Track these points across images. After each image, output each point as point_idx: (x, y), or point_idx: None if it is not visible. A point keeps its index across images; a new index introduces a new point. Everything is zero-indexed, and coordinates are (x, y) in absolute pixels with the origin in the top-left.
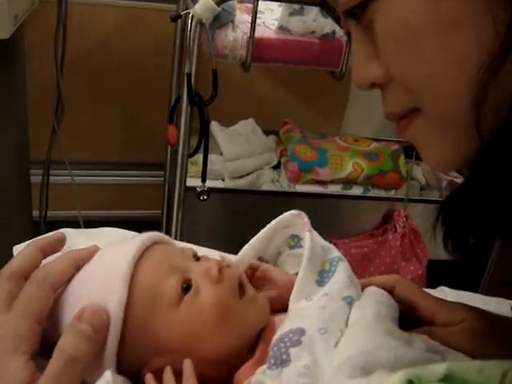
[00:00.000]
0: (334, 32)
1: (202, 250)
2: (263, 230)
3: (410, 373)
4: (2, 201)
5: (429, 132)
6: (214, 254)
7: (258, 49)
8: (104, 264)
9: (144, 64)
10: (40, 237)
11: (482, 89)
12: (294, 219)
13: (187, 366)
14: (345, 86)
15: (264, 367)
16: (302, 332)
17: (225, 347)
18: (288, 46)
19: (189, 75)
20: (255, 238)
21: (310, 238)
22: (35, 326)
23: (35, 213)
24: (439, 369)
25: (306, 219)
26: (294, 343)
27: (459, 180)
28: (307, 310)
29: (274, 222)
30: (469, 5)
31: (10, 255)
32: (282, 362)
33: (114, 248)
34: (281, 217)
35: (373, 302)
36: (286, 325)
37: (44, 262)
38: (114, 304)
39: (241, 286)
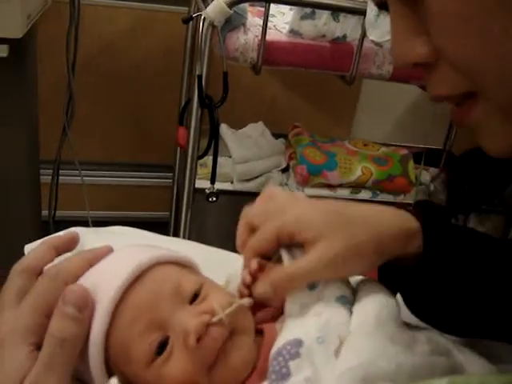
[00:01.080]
0: (344, 36)
1: (210, 251)
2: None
3: None
4: (11, 200)
5: (494, 120)
6: (224, 261)
7: (269, 52)
8: (98, 281)
9: (155, 66)
10: (53, 235)
11: None
12: None
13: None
14: (355, 91)
15: (265, 383)
16: (299, 343)
17: None
18: (299, 49)
19: (200, 77)
20: None
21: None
22: (44, 320)
23: (44, 212)
24: (441, 382)
25: None
26: (293, 356)
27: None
28: (302, 318)
29: None
30: None
31: (19, 254)
32: (283, 376)
33: (115, 261)
34: None
35: (372, 304)
36: (282, 336)
37: (57, 260)
38: (97, 328)
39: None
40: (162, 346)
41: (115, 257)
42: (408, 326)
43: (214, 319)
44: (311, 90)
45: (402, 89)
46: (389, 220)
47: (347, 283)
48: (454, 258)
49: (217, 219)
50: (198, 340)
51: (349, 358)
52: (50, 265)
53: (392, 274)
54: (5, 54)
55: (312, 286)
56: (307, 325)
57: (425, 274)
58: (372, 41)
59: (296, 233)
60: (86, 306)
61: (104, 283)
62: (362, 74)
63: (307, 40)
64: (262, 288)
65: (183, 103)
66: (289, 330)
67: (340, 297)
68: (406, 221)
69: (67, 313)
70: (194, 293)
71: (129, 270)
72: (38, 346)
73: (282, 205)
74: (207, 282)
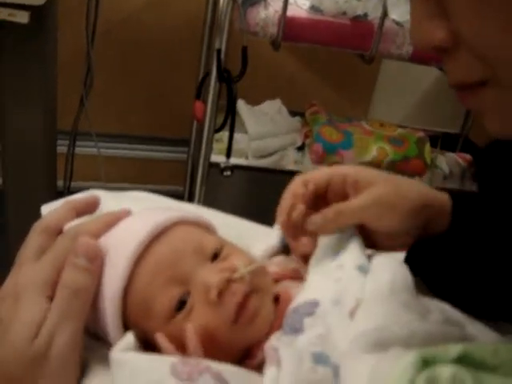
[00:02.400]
0: (366, 14)
1: (228, 220)
2: None
3: (424, 352)
4: (27, 169)
5: (503, 103)
6: (243, 231)
7: (289, 28)
8: (118, 238)
9: (174, 39)
10: (74, 197)
11: None
12: None
13: (189, 330)
14: (373, 71)
15: (279, 333)
16: (316, 304)
17: (220, 357)
18: (319, 26)
19: (219, 51)
20: None
21: None
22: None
23: (59, 183)
24: (454, 349)
25: None
26: (308, 313)
27: None
28: (322, 282)
29: None
30: None
31: (33, 223)
32: (296, 330)
33: (135, 222)
34: None
35: (387, 272)
36: (301, 296)
37: (76, 221)
38: (115, 284)
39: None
40: (182, 302)
41: (134, 218)
42: (421, 296)
43: (236, 276)
44: (329, 68)
45: (421, 71)
46: (430, 189)
47: (364, 254)
48: (478, 239)
49: (231, 194)
50: (219, 295)
51: (363, 321)
52: (69, 225)
53: (417, 255)
54: (25, 21)
55: (335, 254)
56: (326, 288)
57: (448, 252)
58: (393, 20)
59: (350, 176)
60: (96, 257)
61: (123, 242)
62: (382, 53)
63: (328, 17)
64: (312, 219)
65: (201, 77)
66: (308, 292)
67: (360, 265)
68: (443, 196)
69: (79, 264)
70: (215, 252)
71: (148, 229)
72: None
73: None
74: (228, 243)
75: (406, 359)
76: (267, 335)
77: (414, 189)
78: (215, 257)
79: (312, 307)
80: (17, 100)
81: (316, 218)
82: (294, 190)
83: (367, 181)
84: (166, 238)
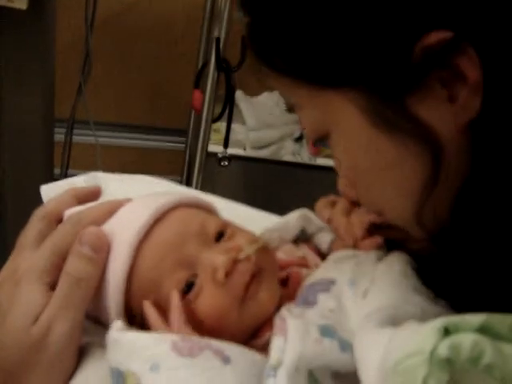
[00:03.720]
0: None
1: (229, 205)
2: None
3: (446, 320)
4: (24, 157)
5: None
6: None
7: None
8: (119, 224)
9: (173, 28)
10: (75, 180)
11: (421, 206)
12: None
13: (174, 297)
14: None
15: (291, 305)
16: (332, 282)
17: (228, 336)
18: None
19: (218, 39)
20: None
21: None
22: (60, 263)
23: (56, 170)
24: (476, 319)
25: None
26: (323, 289)
27: None
28: (340, 264)
29: None
30: (397, 152)
31: (31, 210)
32: (309, 303)
33: (135, 207)
34: None
35: (399, 261)
36: (319, 273)
37: (79, 207)
38: (118, 269)
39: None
40: (189, 285)
41: (134, 204)
42: None
43: (242, 255)
44: None
45: None
46: None
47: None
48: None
49: (228, 184)
50: (227, 275)
51: (376, 299)
52: (70, 210)
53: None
54: (24, 7)
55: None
56: (344, 268)
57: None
58: None
59: None
60: (102, 247)
61: (124, 228)
62: None
63: None
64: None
65: (200, 66)
66: (326, 270)
67: (379, 258)
68: None
69: (83, 253)
70: (219, 232)
71: (149, 213)
72: (54, 287)
73: None
74: (230, 223)
75: (429, 326)
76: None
77: None
78: (219, 237)
79: (328, 284)
80: (14, 87)
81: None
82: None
83: None
84: (167, 221)
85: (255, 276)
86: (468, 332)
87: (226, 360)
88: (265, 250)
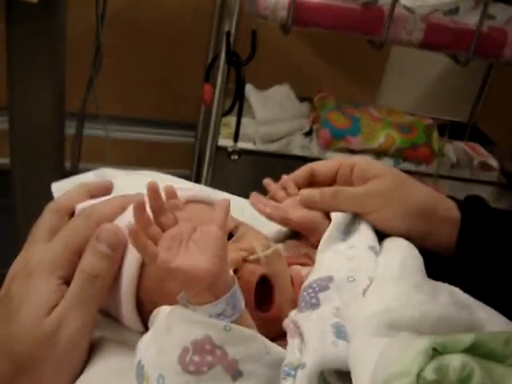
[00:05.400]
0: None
1: (238, 202)
2: None
3: (435, 341)
4: (35, 150)
5: None
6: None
7: (299, 12)
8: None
9: (184, 22)
10: (84, 176)
11: None
12: None
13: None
14: (382, 58)
15: (295, 311)
16: (330, 279)
17: None
18: (329, 10)
19: (228, 33)
20: None
21: None
22: (73, 257)
23: (67, 164)
24: (466, 338)
25: None
26: (322, 288)
27: (492, 161)
28: (335, 260)
29: None
30: None
31: (43, 203)
32: (312, 305)
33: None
34: None
35: (398, 253)
36: (314, 274)
37: (91, 201)
38: (133, 262)
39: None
40: None
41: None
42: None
43: (252, 257)
44: (339, 54)
45: (431, 58)
46: (438, 195)
47: (375, 237)
48: (487, 256)
49: (237, 178)
50: (235, 273)
51: (373, 302)
52: (81, 204)
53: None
54: (35, 0)
55: (346, 237)
56: (339, 265)
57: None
58: (404, 6)
59: (358, 166)
60: (119, 244)
61: None
62: (392, 39)
63: (338, 2)
64: (310, 192)
65: (210, 60)
66: (320, 270)
67: (372, 246)
68: (451, 206)
69: (100, 250)
70: (230, 231)
71: None
72: (65, 281)
73: None
74: (242, 222)
75: (416, 346)
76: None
77: (421, 192)
78: (230, 237)
79: (326, 282)
80: (25, 80)
81: (314, 192)
82: (297, 174)
83: (375, 173)
84: (180, 214)
85: (266, 279)
86: (456, 353)
87: (236, 375)
88: (277, 255)
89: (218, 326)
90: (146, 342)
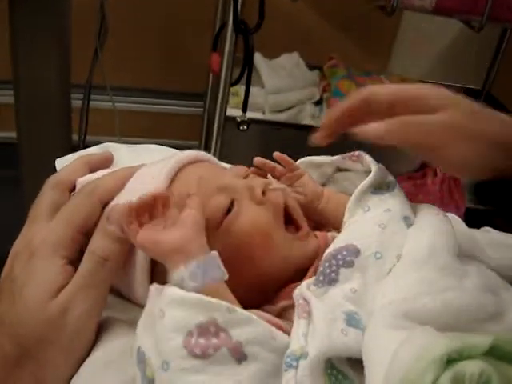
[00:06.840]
0: None
1: None
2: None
3: (450, 347)
4: (41, 123)
5: None
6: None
7: None
8: (143, 179)
9: None
10: (88, 151)
11: None
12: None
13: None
14: (394, 24)
15: (311, 281)
16: (356, 253)
17: (267, 274)
18: None
19: (235, 1)
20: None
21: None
22: (76, 235)
23: (74, 137)
24: (484, 343)
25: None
26: (346, 264)
27: None
28: (366, 224)
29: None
30: None
31: (49, 177)
32: (330, 280)
33: (155, 164)
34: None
35: (429, 229)
36: (340, 238)
37: (92, 175)
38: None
39: (291, 217)
40: (228, 209)
41: (148, 167)
42: (461, 256)
43: (271, 186)
44: (349, 20)
45: (444, 24)
46: None
47: (409, 204)
48: None
49: (247, 148)
50: (263, 194)
51: (393, 288)
52: (82, 179)
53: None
54: None
55: (376, 193)
56: (369, 233)
57: None
58: None
59: (418, 99)
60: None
61: (142, 190)
62: (404, 5)
63: None
64: (375, 125)
65: (217, 28)
66: (349, 232)
67: (406, 217)
68: None
69: (111, 232)
70: (246, 173)
71: (166, 169)
72: (70, 261)
73: None
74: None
75: (431, 353)
76: (299, 279)
77: (497, 119)
78: (245, 177)
79: (352, 256)
80: (30, 52)
81: (379, 125)
82: (352, 103)
83: (440, 103)
84: (184, 174)
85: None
86: (473, 359)
87: (241, 358)
88: (289, 193)
89: (221, 307)
90: (142, 327)
